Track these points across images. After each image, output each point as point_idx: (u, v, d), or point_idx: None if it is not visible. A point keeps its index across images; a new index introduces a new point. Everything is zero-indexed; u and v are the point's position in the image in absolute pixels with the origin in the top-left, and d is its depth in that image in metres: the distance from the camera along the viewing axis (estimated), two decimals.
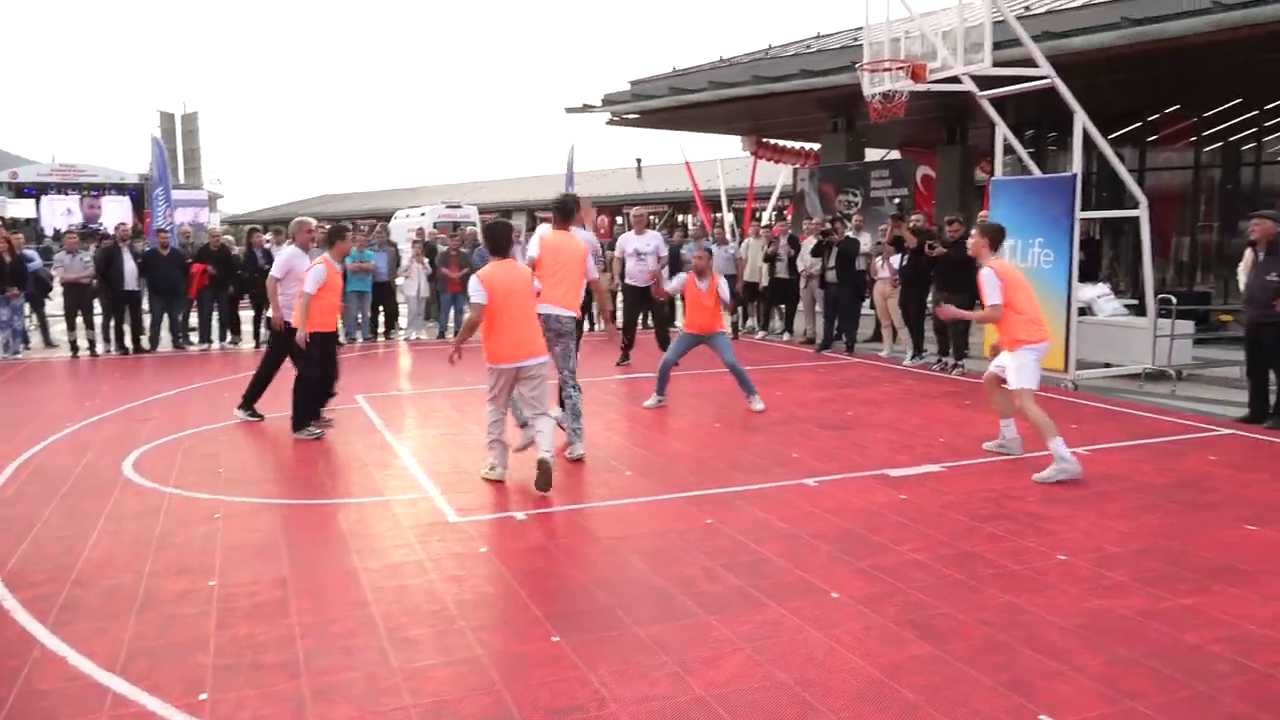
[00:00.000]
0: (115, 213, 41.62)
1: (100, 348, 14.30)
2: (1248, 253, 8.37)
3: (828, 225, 14.17)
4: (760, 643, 4.02)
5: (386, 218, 28.89)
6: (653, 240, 11.40)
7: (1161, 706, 3.47)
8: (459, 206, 28.24)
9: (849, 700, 3.53)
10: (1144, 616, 4.24)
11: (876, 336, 13.60)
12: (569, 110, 20.71)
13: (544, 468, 6.31)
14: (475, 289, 6.34)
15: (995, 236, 7.07)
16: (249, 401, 8.93)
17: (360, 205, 54.68)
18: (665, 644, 4.02)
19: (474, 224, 25.14)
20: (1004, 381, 7.01)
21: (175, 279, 14.26)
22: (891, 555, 5.05)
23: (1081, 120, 10.13)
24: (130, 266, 13.94)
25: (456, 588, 4.70)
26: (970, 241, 7.33)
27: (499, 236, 6.61)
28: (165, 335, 14.73)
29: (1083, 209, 10.30)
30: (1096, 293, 12.07)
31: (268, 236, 15.33)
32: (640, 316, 12.72)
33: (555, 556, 5.11)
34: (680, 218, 36.93)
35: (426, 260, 16.27)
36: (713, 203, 32.64)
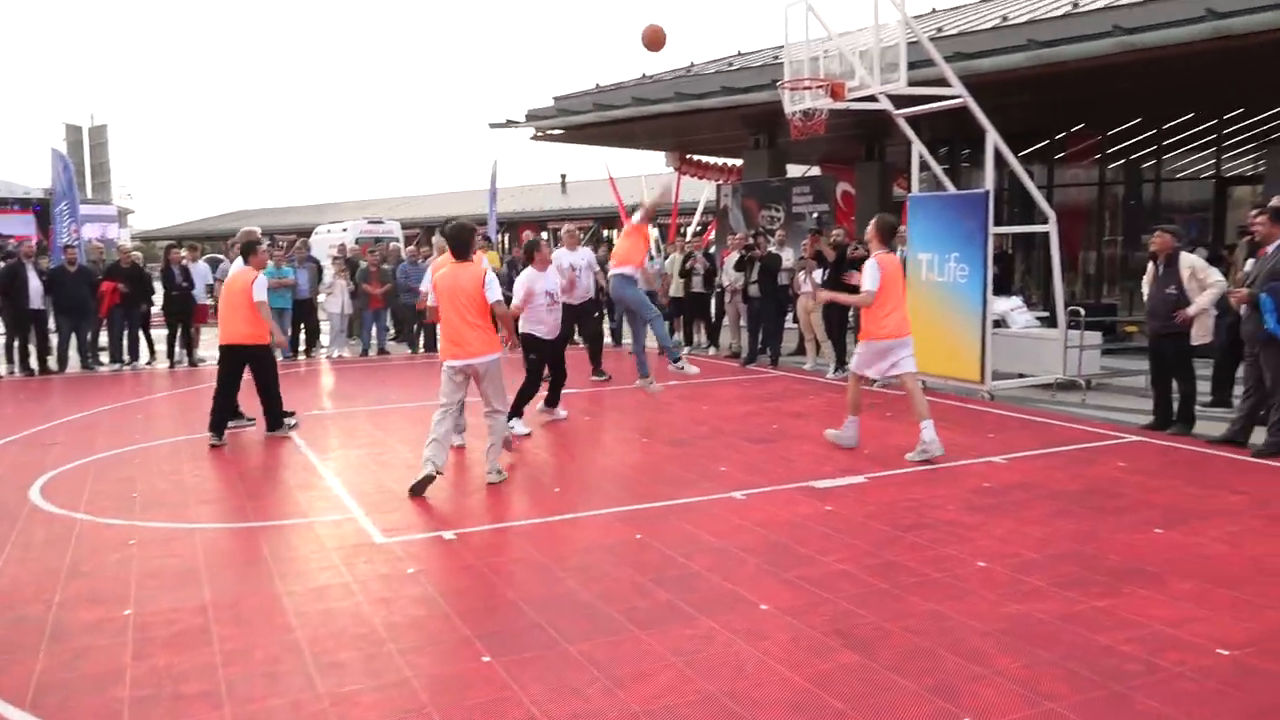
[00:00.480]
0: (18, 229, 40.07)
1: (3, 369, 13.75)
2: (1150, 266, 8.72)
3: (750, 240, 14.37)
4: (691, 656, 4.05)
5: (306, 233, 28.37)
6: (585, 255, 11.36)
7: (1077, 706, 3.59)
8: (381, 222, 27.88)
9: (779, 711, 3.58)
10: (1060, 619, 4.38)
11: (800, 350, 13.81)
12: (493, 126, 20.64)
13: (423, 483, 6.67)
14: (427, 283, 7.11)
15: (887, 231, 7.72)
16: (218, 426, 8.58)
17: (278, 220, 53.57)
18: (596, 660, 4.02)
19: (397, 240, 24.85)
20: (870, 382, 7.81)
21: (83, 297, 13.79)
22: (818, 566, 5.13)
23: (993, 138, 10.45)
24: (35, 284, 13.45)
25: (384, 610, 4.63)
26: (866, 232, 7.95)
27: (459, 239, 6.86)
28: (73, 355, 14.23)
29: (995, 224, 10.61)
30: (1010, 305, 12.44)
31: (183, 253, 14.93)
32: (572, 333, 12.64)
33: (484, 575, 5.07)
34: (606, 233, 37.02)
35: (349, 277, 16.03)
36: None
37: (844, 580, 4.92)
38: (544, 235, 15.14)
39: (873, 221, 7.79)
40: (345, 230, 26.36)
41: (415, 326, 15.95)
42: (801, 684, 3.79)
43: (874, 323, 7.59)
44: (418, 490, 6.64)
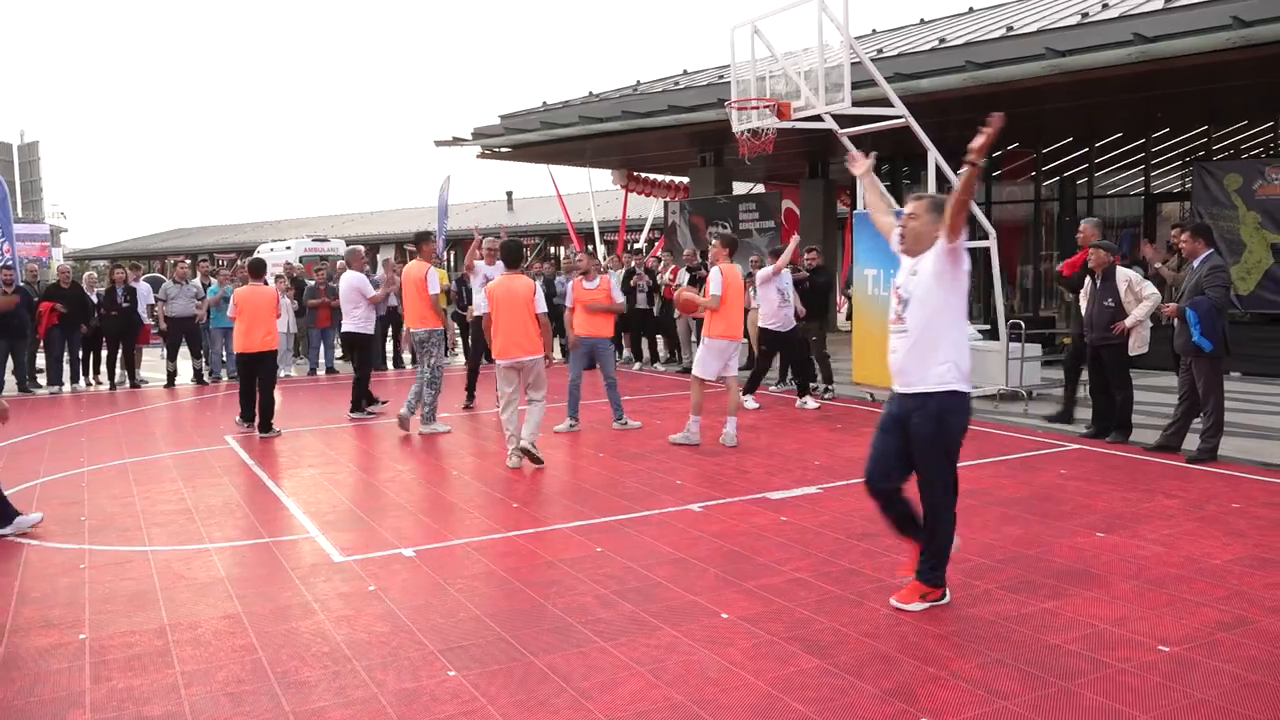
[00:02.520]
0: None
1: None
2: (1087, 280, 9.02)
3: (698, 259, 14.52)
4: (656, 666, 4.11)
5: (248, 252, 27.98)
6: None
7: (1030, 703, 3.72)
8: (326, 240, 27.58)
9: (745, 715, 3.65)
10: (1010, 621, 4.53)
11: (749, 365, 13.97)
12: (439, 144, 20.62)
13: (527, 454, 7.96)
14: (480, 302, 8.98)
15: (732, 246, 8.99)
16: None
17: (219, 239, 52.73)
18: (563, 672, 4.06)
19: (342, 258, 24.61)
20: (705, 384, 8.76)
21: (20, 318, 13.48)
22: (776, 575, 5.23)
23: (934, 157, 10.74)
24: None
25: (347, 627, 4.62)
26: (711, 249, 9.09)
27: (512, 252, 8.24)
28: (9, 378, 13.88)
29: None
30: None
31: (127, 272, 14.67)
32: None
33: (446, 591, 5.08)
34: (553, 250, 37.08)
35: (294, 295, 15.86)
36: (586, 235, 32.91)
37: (802, 588, 5.02)
38: (589, 248, 14.90)
39: (717, 239, 9.06)
40: (289, 249, 26.05)
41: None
42: (765, 689, 3.87)
43: (719, 324, 8.72)
44: (537, 461, 7.96)
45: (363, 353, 10.88)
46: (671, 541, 5.89)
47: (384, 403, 11.50)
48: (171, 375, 14.63)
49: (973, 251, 19.11)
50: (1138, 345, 8.66)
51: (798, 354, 11.17)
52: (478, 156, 21.01)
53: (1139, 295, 8.53)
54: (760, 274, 10.82)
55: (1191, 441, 8.19)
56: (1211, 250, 7.96)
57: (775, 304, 10.76)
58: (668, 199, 22.98)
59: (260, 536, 6.22)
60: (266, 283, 10.37)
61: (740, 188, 24.98)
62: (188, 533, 6.35)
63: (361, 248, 11.29)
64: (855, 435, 9.33)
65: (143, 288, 14.91)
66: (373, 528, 6.38)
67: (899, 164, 19.46)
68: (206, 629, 4.66)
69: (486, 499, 7.15)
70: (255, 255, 11.65)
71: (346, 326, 10.67)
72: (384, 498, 7.21)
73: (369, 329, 10.75)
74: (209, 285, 15.09)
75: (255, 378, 10.02)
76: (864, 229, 11.39)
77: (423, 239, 9.90)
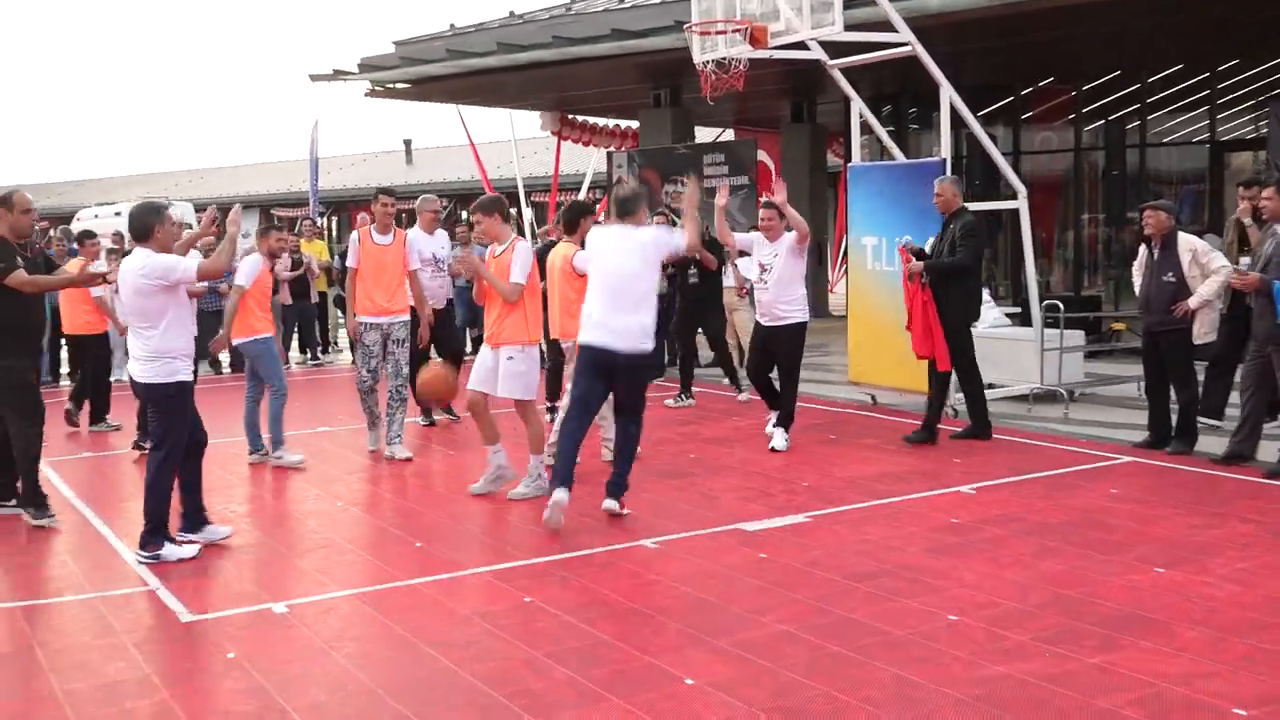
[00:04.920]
0: None
1: None
2: (1141, 249, 9.16)
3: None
4: None
5: (67, 219, 27.45)
6: (443, 241, 11.02)
7: None
8: (167, 203, 27.16)
9: None
10: (1049, 681, 4.59)
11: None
12: (315, 78, 20.37)
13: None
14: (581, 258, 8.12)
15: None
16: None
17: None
18: None
19: (190, 226, 24.22)
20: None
21: None
22: (754, 628, 5.25)
23: (948, 94, 10.83)
24: None
25: (199, 706, 4.55)
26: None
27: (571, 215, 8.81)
28: None
29: None
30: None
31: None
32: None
33: (330, 657, 5.03)
34: (464, 214, 36.86)
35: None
36: (507, 195, 32.75)
37: (787, 644, 5.05)
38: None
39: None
40: (119, 214, 25.58)
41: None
42: None
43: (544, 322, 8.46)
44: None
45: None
46: (620, 588, 5.87)
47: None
48: None
49: (998, 215, 19.10)
50: (1204, 331, 8.82)
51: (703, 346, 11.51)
52: (366, 95, 20.78)
53: (1206, 269, 8.68)
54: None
55: (1269, 451, 8.36)
56: None
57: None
58: (612, 148, 22.96)
59: (83, 591, 6.10)
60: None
61: (705, 134, 25.00)
62: None
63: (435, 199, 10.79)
64: (853, 449, 9.41)
65: None
66: (233, 577, 6.28)
67: (904, 104, 19.63)
68: (11, 713, 4.55)
69: (381, 537, 7.08)
70: (76, 223, 11.29)
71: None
72: (247, 537, 7.12)
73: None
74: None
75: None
76: (861, 186, 11.48)
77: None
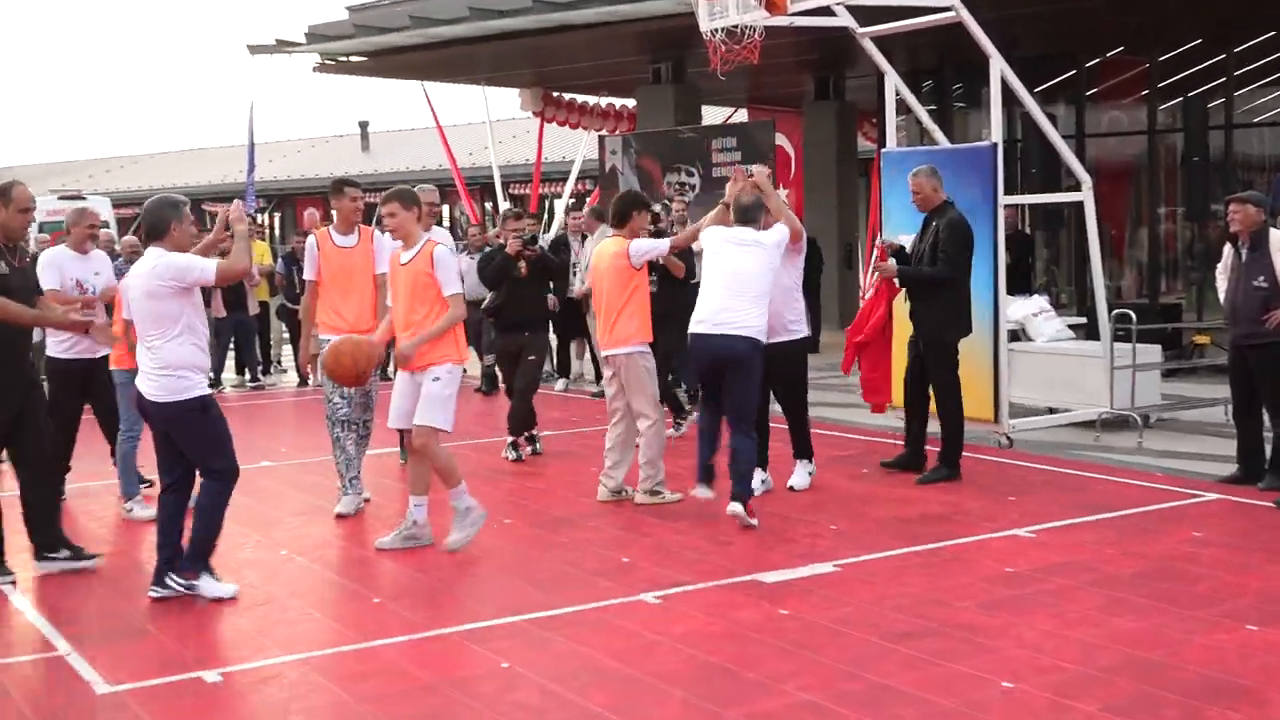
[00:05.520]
0: None
1: None
2: (1227, 249, 9.17)
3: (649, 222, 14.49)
4: None
5: None
6: (446, 239, 10.74)
7: None
8: (80, 198, 27.18)
9: None
10: None
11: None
12: (254, 50, 20.43)
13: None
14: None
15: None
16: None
17: None
18: None
19: (107, 224, 24.22)
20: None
21: None
22: (773, 697, 5.24)
23: (998, 67, 10.85)
24: None
25: None
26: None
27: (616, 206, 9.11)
28: None
29: (1007, 192, 10.96)
30: (1031, 309, 12.85)
31: None
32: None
33: None
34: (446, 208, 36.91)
35: None
36: (482, 186, 32.85)
37: (811, 716, 5.03)
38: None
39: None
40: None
41: None
42: None
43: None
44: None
45: None
46: (615, 650, 5.86)
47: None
48: None
49: (1058, 209, 19.08)
50: None
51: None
52: (315, 69, 20.83)
53: None
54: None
55: None
56: None
57: None
58: (604, 132, 23.01)
59: None
60: None
61: (713, 115, 25.05)
62: None
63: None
64: (889, 485, 9.40)
65: None
66: (158, 640, 6.26)
67: (948, 78, 19.66)
68: None
69: (332, 591, 7.08)
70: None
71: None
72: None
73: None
74: None
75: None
76: (898, 175, 11.48)
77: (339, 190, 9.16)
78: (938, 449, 9.53)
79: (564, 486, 9.66)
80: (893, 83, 11.85)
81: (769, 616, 6.31)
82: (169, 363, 6.69)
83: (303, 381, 16.36)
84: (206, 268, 6.77)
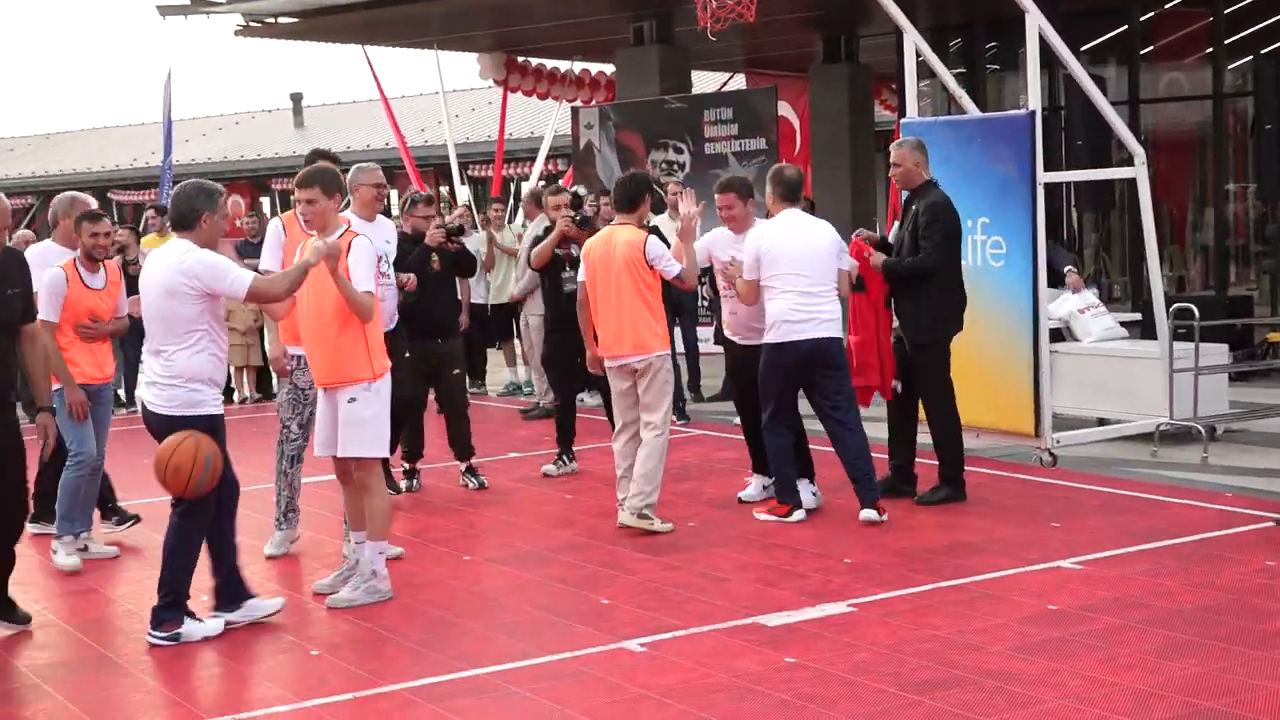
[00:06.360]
0: None
1: None
2: None
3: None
4: None
5: None
6: (389, 233, 10.45)
7: None
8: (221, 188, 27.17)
9: None
10: None
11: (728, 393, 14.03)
12: (165, 11, 20.36)
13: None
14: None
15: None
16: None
17: None
18: None
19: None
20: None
21: None
22: None
23: (1035, 23, 10.87)
24: None
25: None
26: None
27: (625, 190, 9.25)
28: None
29: (1048, 168, 10.98)
30: (1077, 304, 12.85)
31: None
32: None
33: None
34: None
35: None
36: (436, 168, 32.81)
37: None
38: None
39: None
40: None
41: None
42: None
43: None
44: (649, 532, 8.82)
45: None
46: (594, 708, 5.87)
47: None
48: None
49: (1108, 187, 19.06)
50: None
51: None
52: (237, 33, 20.80)
53: None
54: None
55: None
56: None
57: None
58: (578, 102, 23.01)
59: None
60: None
61: (705, 82, 25.05)
62: None
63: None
64: (913, 510, 9.38)
65: None
66: (59, 708, 6.25)
67: (979, 38, 19.67)
68: None
69: (268, 643, 7.07)
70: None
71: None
72: (79, 649, 7.12)
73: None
74: None
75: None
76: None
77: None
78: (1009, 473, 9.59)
79: (531, 516, 9.67)
80: (912, 41, 11.85)
81: (772, 665, 6.30)
82: (181, 373, 6.79)
83: (267, 395, 16.32)
84: (240, 280, 6.82)
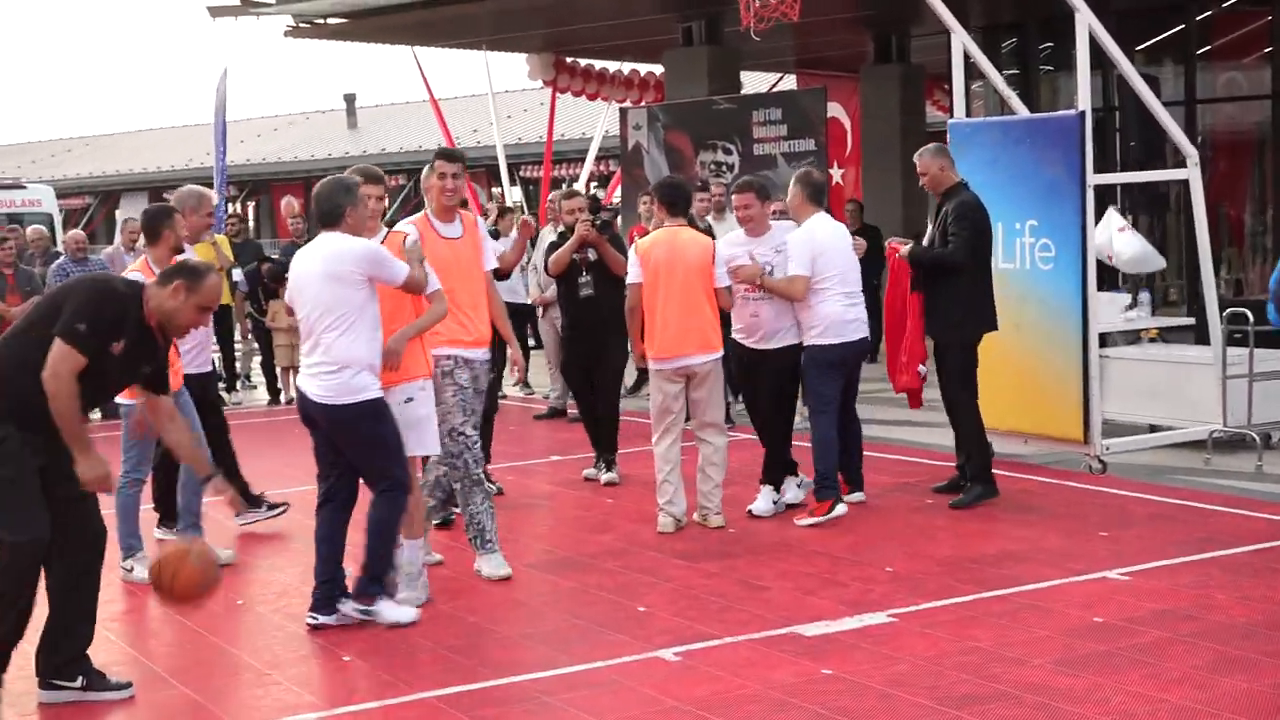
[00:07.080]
0: None
1: None
2: None
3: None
4: None
5: None
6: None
7: None
8: (21, 187, 27.44)
9: None
10: None
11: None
12: (216, 13, 20.49)
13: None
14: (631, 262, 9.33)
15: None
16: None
17: None
18: None
19: (48, 217, 24.41)
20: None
21: None
22: None
23: (1086, 21, 10.77)
24: None
25: None
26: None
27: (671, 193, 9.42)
28: None
29: (1099, 169, 10.88)
30: (1128, 309, 12.72)
31: None
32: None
33: None
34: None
35: None
36: (486, 169, 32.93)
37: None
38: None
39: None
40: None
41: None
42: None
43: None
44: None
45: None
46: (628, 718, 5.84)
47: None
48: None
49: (1161, 190, 18.96)
50: None
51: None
52: (287, 34, 20.91)
53: None
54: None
55: None
56: None
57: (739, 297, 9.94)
58: (627, 103, 23.01)
59: None
60: None
61: (755, 82, 25.02)
62: None
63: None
64: (957, 517, 9.33)
65: None
66: (47, 716, 6.23)
67: (1032, 36, 19.57)
68: None
69: (297, 649, 7.06)
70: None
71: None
72: (102, 643, 7.09)
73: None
74: None
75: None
76: (970, 150, 11.37)
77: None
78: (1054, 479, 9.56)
79: (567, 522, 9.64)
80: (960, 41, 11.77)
81: (809, 677, 6.25)
82: (343, 359, 7.01)
83: (274, 399, 16.51)
84: (399, 266, 7.16)
